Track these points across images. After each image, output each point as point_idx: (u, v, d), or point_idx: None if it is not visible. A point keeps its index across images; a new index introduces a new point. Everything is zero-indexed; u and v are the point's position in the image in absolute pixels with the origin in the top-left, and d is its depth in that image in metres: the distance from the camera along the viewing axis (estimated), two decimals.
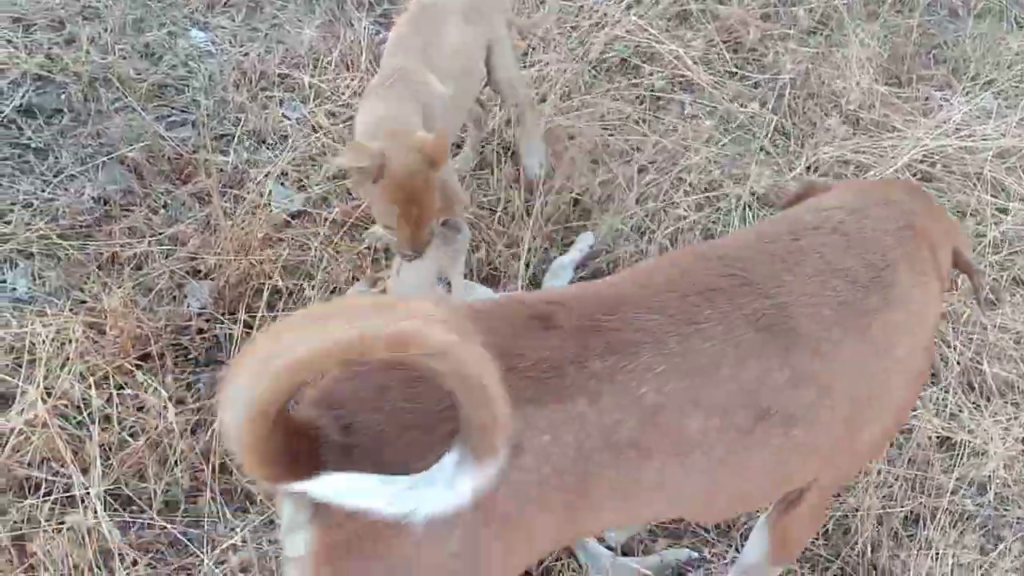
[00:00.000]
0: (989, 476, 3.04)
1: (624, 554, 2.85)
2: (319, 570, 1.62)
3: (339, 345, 1.30)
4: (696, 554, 2.88)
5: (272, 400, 1.35)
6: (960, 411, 3.23)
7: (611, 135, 3.82)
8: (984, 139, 4.05)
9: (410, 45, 3.10)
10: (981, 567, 2.87)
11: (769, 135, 3.99)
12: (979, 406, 3.27)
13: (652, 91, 4.11)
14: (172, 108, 3.89)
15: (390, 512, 1.43)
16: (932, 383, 3.30)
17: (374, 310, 1.36)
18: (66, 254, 3.35)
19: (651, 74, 4.17)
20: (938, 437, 3.14)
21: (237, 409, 1.35)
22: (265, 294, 3.22)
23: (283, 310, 3.25)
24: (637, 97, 4.09)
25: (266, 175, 3.60)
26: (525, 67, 4.12)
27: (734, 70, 4.23)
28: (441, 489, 1.42)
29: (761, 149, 3.96)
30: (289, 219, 3.55)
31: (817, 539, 2.92)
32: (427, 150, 2.70)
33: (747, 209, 3.70)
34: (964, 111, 4.12)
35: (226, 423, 1.37)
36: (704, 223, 3.69)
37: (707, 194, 3.75)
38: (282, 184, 3.65)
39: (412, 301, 1.36)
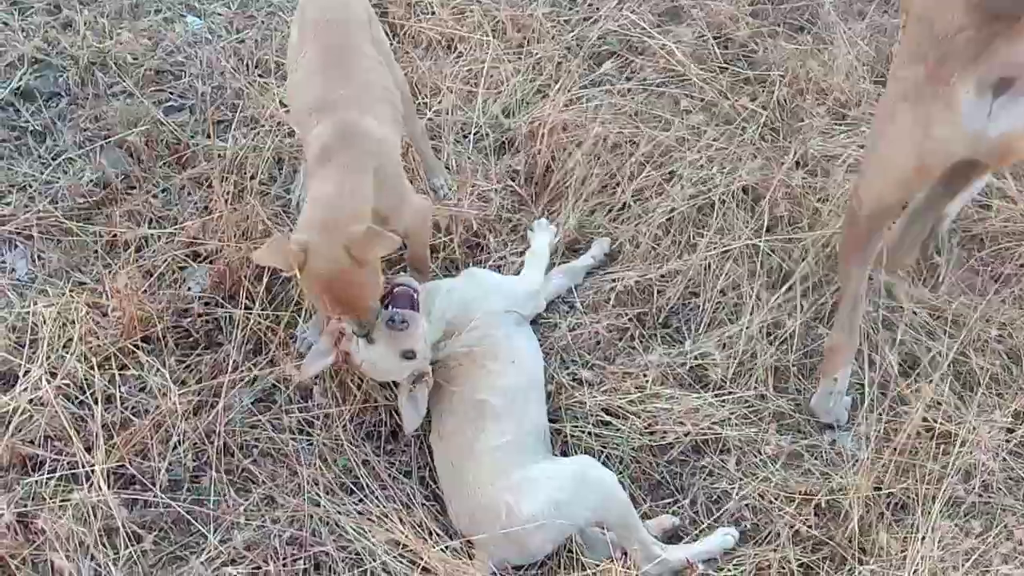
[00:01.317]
0: (974, 464, 3.12)
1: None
2: None
3: None
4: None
5: None
6: (947, 402, 3.31)
7: (606, 128, 3.86)
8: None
9: (334, 79, 2.97)
10: (966, 552, 2.95)
11: (759, 129, 4.06)
12: (963, 398, 3.36)
13: (644, 84, 4.16)
14: (170, 93, 3.91)
15: None
16: (920, 376, 3.38)
17: None
18: (66, 236, 3.36)
19: (642, 68, 4.23)
20: (926, 428, 3.22)
21: None
22: (265, 279, 3.25)
23: (283, 295, 3.28)
24: (629, 90, 4.14)
25: (274, 162, 3.62)
26: (520, 58, 4.17)
27: (725, 65, 4.29)
28: None
29: (751, 143, 4.02)
30: (287, 209, 3.58)
31: (808, 520, 3.00)
32: (354, 251, 2.63)
33: (737, 201, 3.77)
34: None
35: None
36: (695, 216, 3.75)
37: (698, 185, 3.81)
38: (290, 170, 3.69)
39: None
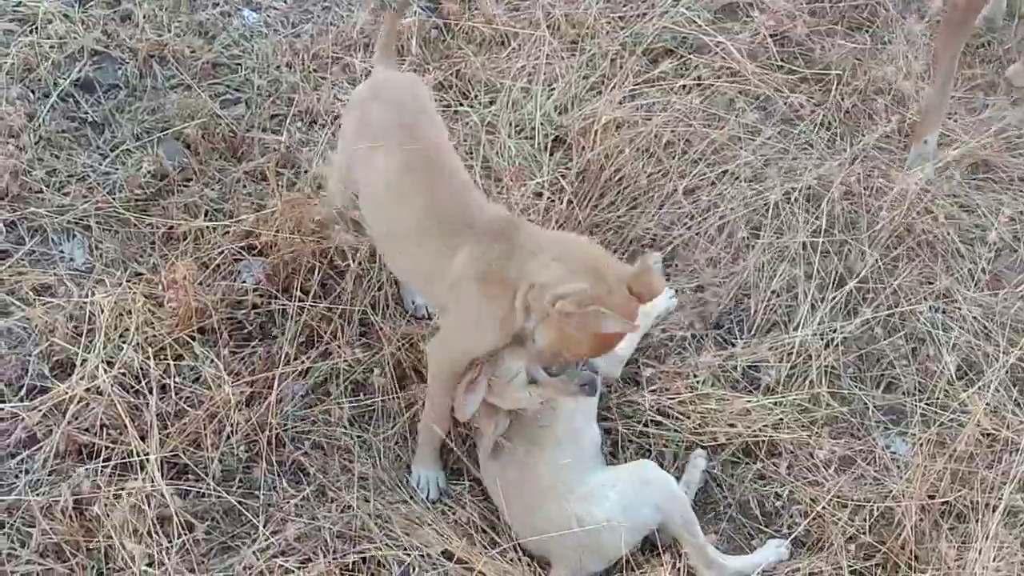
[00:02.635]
0: None
1: None
2: None
3: None
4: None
5: None
6: (1003, 407, 3.25)
7: (660, 127, 3.84)
8: None
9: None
10: (1023, 563, 2.89)
11: (816, 129, 4.00)
12: (1021, 404, 3.29)
13: (699, 82, 4.13)
14: (226, 87, 3.94)
15: None
16: (976, 379, 3.33)
17: None
18: (124, 227, 3.40)
19: (698, 66, 4.19)
20: (983, 433, 3.16)
21: None
22: (317, 274, 3.27)
23: (337, 289, 3.29)
24: (684, 87, 4.11)
25: (322, 159, 3.64)
26: (574, 55, 4.15)
27: (781, 64, 4.24)
28: None
29: (808, 143, 3.98)
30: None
31: (863, 527, 2.96)
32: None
33: (792, 202, 3.72)
34: (1010, 112, 4.12)
35: None
36: (750, 215, 3.71)
37: (753, 185, 3.77)
38: None
39: None
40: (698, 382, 3.28)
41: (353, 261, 3.31)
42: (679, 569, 2.88)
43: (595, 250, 2.74)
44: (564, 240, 2.82)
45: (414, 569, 2.76)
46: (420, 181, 2.85)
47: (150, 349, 3.05)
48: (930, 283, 3.60)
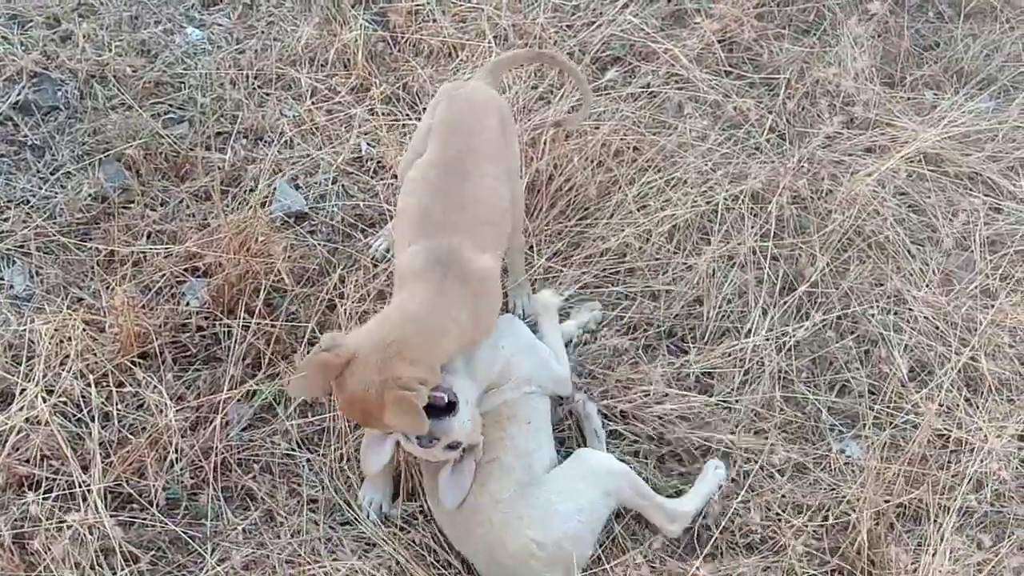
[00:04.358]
0: (986, 473, 3.06)
1: None
2: None
3: None
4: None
5: None
6: (956, 408, 3.25)
7: (609, 135, 3.82)
8: (978, 139, 4.08)
9: (445, 195, 2.84)
10: (978, 564, 2.89)
11: (765, 133, 4.01)
12: (973, 404, 3.30)
13: (648, 89, 4.12)
14: (169, 105, 3.88)
15: None
16: (928, 380, 3.33)
17: None
18: (64, 252, 3.34)
19: (646, 73, 4.18)
20: (936, 435, 3.16)
21: None
22: (262, 293, 3.22)
23: (283, 309, 3.25)
24: (632, 95, 4.10)
25: (272, 173, 3.60)
26: (523, 66, 4.12)
27: (729, 69, 4.24)
28: None
29: (756, 147, 3.97)
30: (288, 219, 3.55)
31: (818, 532, 2.95)
32: (385, 397, 2.49)
33: (741, 207, 3.72)
34: (958, 111, 4.14)
35: None
36: (700, 222, 3.70)
37: (703, 191, 3.76)
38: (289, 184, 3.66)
39: None
40: (651, 389, 3.25)
41: (298, 282, 3.28)
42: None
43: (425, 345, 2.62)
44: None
45: None
46: (436, 177, 2.86)
47: (91, 376, 3.00)
48: (881, 285, 3.60)
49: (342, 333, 2.63)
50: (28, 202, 3.48)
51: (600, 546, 2.93)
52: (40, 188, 3.53)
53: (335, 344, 2.54)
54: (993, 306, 3.53)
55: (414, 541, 2.91)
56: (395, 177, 3.64)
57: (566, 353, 3.21)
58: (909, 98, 4.26)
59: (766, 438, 3.19)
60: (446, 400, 2.65)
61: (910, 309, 3.53)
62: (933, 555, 2.84)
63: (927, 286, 3.61)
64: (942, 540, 2.89)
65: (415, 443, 2.71)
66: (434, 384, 2.60)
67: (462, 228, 2.78)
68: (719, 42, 4.29)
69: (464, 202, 2.82)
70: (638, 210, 3.69)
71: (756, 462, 3.13)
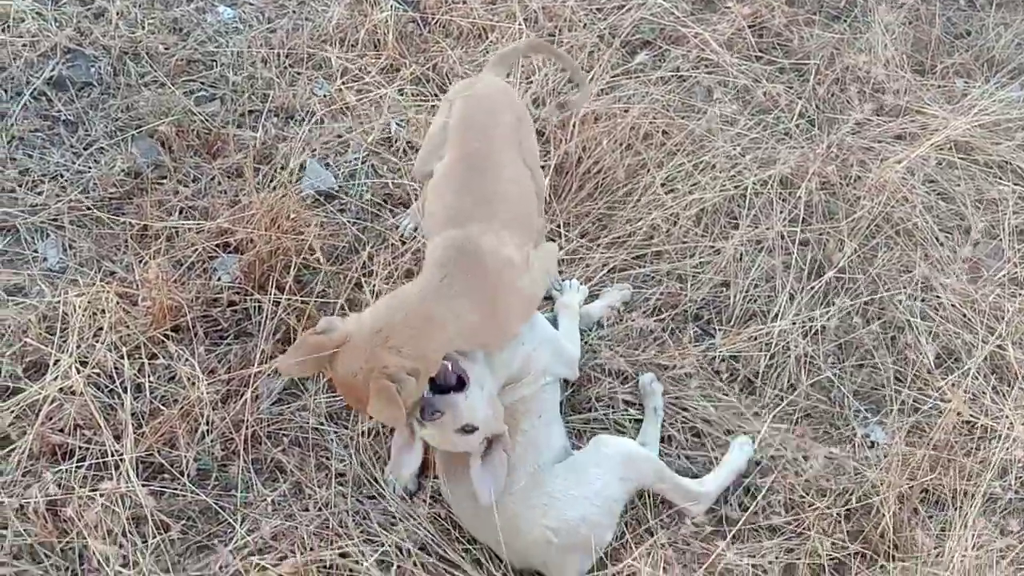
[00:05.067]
0: (1011, 460, 3.05)
1: None
2: None
3: None
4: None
5: None
6: (983, 395, 3.25)
7: (638, 118, 3.82)
8: (1008, 127, 4.06)
9: (468, 192, 2.82)
10: (1002, 551, 2.89)
11: (794, 119, 4.00)
12: (1000, 391, 3.30)
13: (678, 73, 4.12)
14: (201, 83, 3.91)
15: None
16: (955, 367, 3.33)
17: None
18: (98, 226, 3.38)
19: (676, 57, 4.18)
20: (962, 421, 3.16)
21: None
22: (292, 270, 3.24)
23: (313, 286, 3.27)
24: (662, 79, 4.10)
25: (302, 152, 3.62)
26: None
27: (760, 54, 4.23)
28: None
29: (786, 133, 3.97)
30: (318, 197, 3.57)
31: (839, 517, 2.95)
32: (371, 385, 2.43)
33: (770, 191, 3.72)
34: (989, 99, 4.13)
35: None
36: (728, 206, 3.71)
37: (732, 175, 3.76)
38: (319, 163, 3.68)
39: None
40: (678, 373, 3.27)
41: (328, 259, 3.30)
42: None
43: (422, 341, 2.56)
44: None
45: (391, 565, 2.75)
46: (459, 175, 2.86)
47: (124, 348, 3.03)
48: (909, 272, 3.60)
49: (339, 318, 2.60)
50: (62, 176, 3.52)
51: (627, 528, 2.94)
52: (74, 163, 3.56)
53: (331, 328, 2.53)
54: (1021, 295, 3.52)
55: (439, 515, 2.93)
56: None
57: (579, 336, 3.23)
58: (940, 86, 4.25)
59: (793, 422, 3.20)
60: (455, 377, 2.61)
61: (937, 296, 3.53)
62: (957, 540, 2.84)
63: (955, 274, 3.60)
64: (966, 526, 2.90)
65: (422, 425, 2.64)
66: (429, 375, 2.53)
67: (487, 219, 2.76)
68: (750, 27, 4.29)
69: (488, 196, 2.81)
70: (666, 193, 3.70)
71: (782, 447, 3.13)
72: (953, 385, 3.23)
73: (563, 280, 3.42)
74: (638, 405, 3.22)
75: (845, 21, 4.40)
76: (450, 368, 2.61)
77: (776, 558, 2.89)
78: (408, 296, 2.59)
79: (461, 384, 2.64)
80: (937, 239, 3.70)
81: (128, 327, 3.07)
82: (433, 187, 2.93)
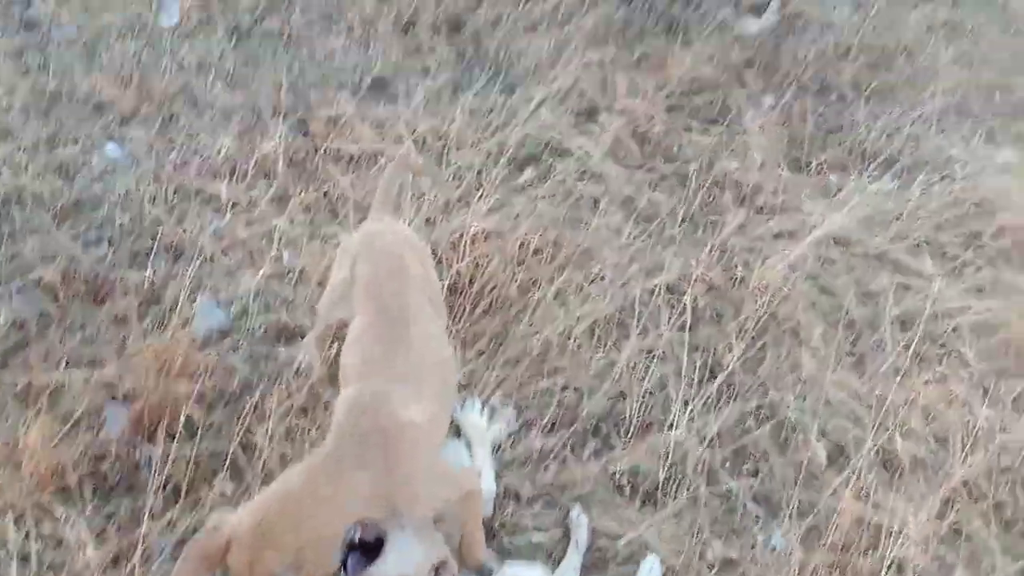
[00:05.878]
0: (905, 558, 3.11)
1: None
2: None
3: None
4: None
5: None
6: (875, 491, 3.32)
7: (527, 234, 3.90)
8: (883, 219, 4.22)
9: (382, 351, 2.80)
10: None
11: (677, 224, 4.11)
12: (891, 485, 3.37)
13: (564, 186, 4.21)
14: (88, 226, 3.88)
15: None
16: (846, 464, 3.40)
17: None
18: None
19: (562, 170, 4.28)
20: (856, 520, 3.22)
21: None
22: (182, 417, 3.20)
23: (204, 431, 3.24)
24: (549, 193, 4.19)
25: (193, 290, 3.61)
26: (441, 168, 4.20)
27: (642, 162, 4.36)
28: None
29: (671, 239, 4.08)
30: (211, 335, 3.55)
31: None
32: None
33: (659, 298, 3.80)
34: (862, 194, 4.29)
35: None
36: (619, 316, 3.78)
37: (620, 285, 3.84)
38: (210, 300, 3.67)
39: None
40: (579, 493, 3.28)
41: (221, 400, 3.28)
42: None
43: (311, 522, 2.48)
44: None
45: None
46: (373, 331, 2.85)
47: (10, 515, 2.95)
48: (796, 369, 3.69)
49: (231, 511, 2.56)
50: None
51: None
52: None
53: (220, 525, 2.48)
54: (905, 385, 3.62)
55: None
56: (319, 284, 3.67)
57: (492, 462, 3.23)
58: (815, 183, 4.41)
59: (694, 534, 3.23)
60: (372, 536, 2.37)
61: (825, 392, 3.62)
62: None
63: (840, 368, 3.71)
64: None
65: None
66: (323, 554, 2.36)
67: (400, 373, 2.72)
68: (632, 136, 4.41)
69: (405, 347, 2.79)
70: (559, 307, 3.76)
71: (687, 560, 3.15)
72: (844, 483, 3.29)
73: (464, 399, 3.44)
74: (546, 528, 3.22)
75: (722, 124, 4.56)
76: (359, 533, 2.35)
77: None
78: (289, 480, 2.54)
79: (377, 545, 2.40)
80: (822, 335, 3.81)
81: (12, 494, 2.99)
82: (347, 346, 2.91)
